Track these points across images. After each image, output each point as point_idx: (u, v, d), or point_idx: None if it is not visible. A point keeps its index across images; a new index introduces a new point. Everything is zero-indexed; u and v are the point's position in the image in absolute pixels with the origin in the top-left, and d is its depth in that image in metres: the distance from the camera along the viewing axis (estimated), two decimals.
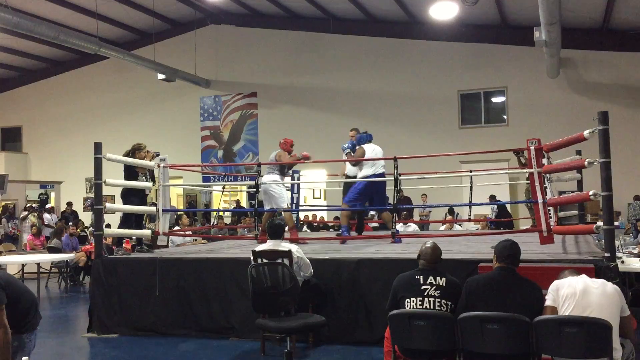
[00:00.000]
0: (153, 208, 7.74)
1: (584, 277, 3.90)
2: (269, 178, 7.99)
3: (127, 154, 7.57)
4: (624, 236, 9.11)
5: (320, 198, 18.60)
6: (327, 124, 17.62)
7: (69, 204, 17.90)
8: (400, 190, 10.10)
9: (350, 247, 7.52)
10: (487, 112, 16.93)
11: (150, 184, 7.65)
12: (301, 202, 11.53)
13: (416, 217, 14.46)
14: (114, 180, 7.25)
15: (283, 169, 8.20)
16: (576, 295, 3.77)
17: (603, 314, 3.64)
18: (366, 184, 7.79)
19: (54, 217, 16.17)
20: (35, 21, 13.68)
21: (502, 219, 12.37)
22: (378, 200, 8.13)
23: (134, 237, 8.13)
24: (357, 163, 7.97)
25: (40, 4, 16.10)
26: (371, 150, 8.00)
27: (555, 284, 3.92)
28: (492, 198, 13.17)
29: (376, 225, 11.47)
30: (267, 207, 8.11)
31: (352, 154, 8.10)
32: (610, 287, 3.82)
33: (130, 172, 7.52)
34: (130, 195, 7.47)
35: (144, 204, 7.79)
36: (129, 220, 7.63)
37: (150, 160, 7.60)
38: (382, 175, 7.88)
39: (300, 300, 5.46)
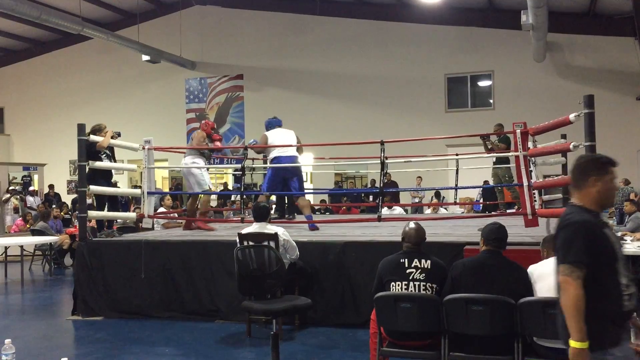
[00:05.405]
0: (137, 190, 7.67)
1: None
2: (188, 160, 7.80)
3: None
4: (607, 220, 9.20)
5: (306, 181, 18.51)
6: (314, 106, 17.57)
7: (51, 186, 17.70)
8: (387, 174, 10.08)
9: (335, 230, 7.52)
10: (473, 96, 16.95)
11: (135, 166, 7.60)
12: None
13: (409, 200, 14.50)
14: (99, 162, 7.17)
15: (203, 151, 7.93)
16: (548, 275, 3.79)
17: None
18: (274, 170, 7.59)
19: (37, 200, 15.99)
20: (17, 0, 13.38)
21: (487, 202, 12.42)
22: (295, 184, 7.77)
23: (105, 220, 7.98)
24: (263, 150, 7.83)
25: None
26: (279, 135, 7.72)
27: (531, 267, 3.96)
28: (485, 183, 13.19)
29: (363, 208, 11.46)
30: (188, 189, 8.05)
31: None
32: None
33: (91, 153, 7.23)
34: (97, 177, 7.27)
35: (110, 185, 7.72)
36: (101, 203, 7.54)
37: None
38: (291, 158, 7.58)
39: (286, 282, 5.46)
